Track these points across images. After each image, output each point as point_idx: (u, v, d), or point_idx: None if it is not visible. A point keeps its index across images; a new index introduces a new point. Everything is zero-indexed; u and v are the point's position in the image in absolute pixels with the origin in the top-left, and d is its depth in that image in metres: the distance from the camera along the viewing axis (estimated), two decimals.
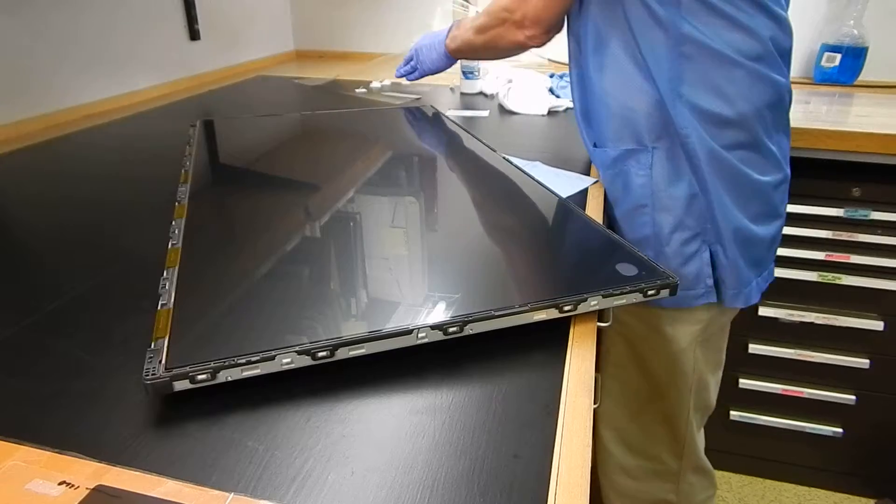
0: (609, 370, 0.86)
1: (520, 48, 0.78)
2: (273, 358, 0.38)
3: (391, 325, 0.41)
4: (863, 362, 1.23)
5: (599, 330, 0.54)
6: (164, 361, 0.37)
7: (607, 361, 0.86)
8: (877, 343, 1.21)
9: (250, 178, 0.74)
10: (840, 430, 1.30)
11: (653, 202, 0.72)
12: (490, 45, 0.80)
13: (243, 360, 0.38)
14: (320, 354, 0.39)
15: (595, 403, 0.69)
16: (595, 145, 0.76)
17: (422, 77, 1.01)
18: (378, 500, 0.31)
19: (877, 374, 1.23)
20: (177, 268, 0.49)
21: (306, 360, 0.39)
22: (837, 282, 1.18)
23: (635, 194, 0.72)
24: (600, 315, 0.57)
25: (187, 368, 0.37)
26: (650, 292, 0.47)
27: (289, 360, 0.38)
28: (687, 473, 0.86)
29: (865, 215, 1.13)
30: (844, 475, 1.39)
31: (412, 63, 1.01)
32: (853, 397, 1.26)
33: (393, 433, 0.36)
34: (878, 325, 1.19)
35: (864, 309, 1.20)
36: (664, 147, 0.69)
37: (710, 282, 0.74)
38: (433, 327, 0.41)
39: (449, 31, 0.91)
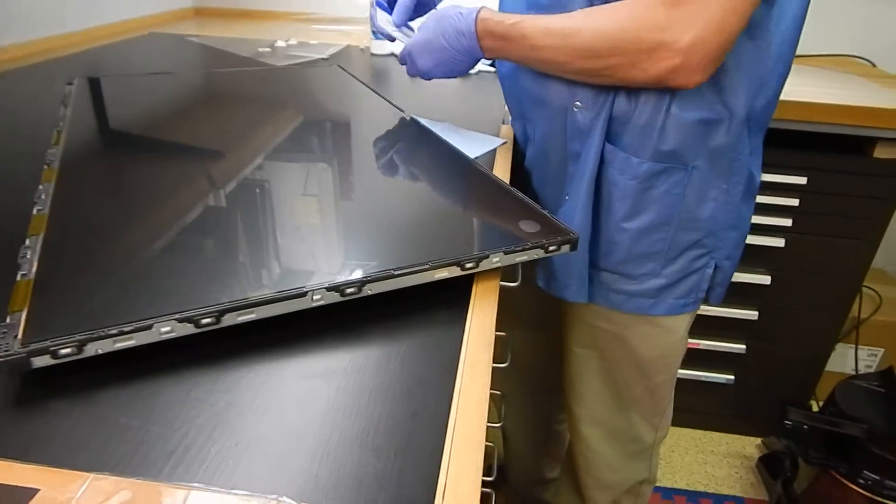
0: (592, 365, 0.81)
1: (656, 86, 0.57)
2: (150, 327, 0.35)
3: (284, 288, 0.39)
4: (752, 314, 1.32)
5: (507, 290, 0.55)
6: (20, 336, 0.33)
7: (590, 358, 0.80)
8: (764, 296, 1.31)
9: (141, 143, 0.68)
10: (732, 377, 1.40)
11: (676, 222, 0.66)
12: (602, 76, 0.58)
13: (115, 331, 0.34)
14: (204, 321, 0.36)
15: (504, 362, 0.70)
16: (618, 145, 0.65)
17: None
18: (263, 471, 0.30)
19: (764, 324, 1.33)
20: (41, 235, 0.44)
21: (188, 329, 0.36)
22: None
23: (660, 213, 0.66)
24: (510, 275, 0.57)
25: (48, 342, 0.33)
26: (551, 248, 0.47)
27: (168, 328, 0.35)
28: (658, 445, 0.85)
29: None
30: (736, 418, 1.51)
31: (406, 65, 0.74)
32: (743, 347, 1.36)
33: (284, 400, 0.34)
34: (765, 280, 1.28)
35: (754, 264, 1.28)
36: (702, 167, 0.64)
37: (703, 294, 0.72)
38: (329, 289, 0.39)
39: (477, 19, 0.63)
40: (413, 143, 0.69)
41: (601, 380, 0.81)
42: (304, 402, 0.34)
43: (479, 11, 0.63)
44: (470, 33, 0.63)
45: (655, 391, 0.80)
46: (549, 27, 0.58)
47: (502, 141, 0.77)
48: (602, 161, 0.66)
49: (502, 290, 0.48)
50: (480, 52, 0.64)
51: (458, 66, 0.67)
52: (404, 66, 0.75)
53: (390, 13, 0.75)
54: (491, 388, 0.74)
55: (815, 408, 1.42)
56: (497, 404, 1.12)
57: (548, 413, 1.11)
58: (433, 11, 0.70)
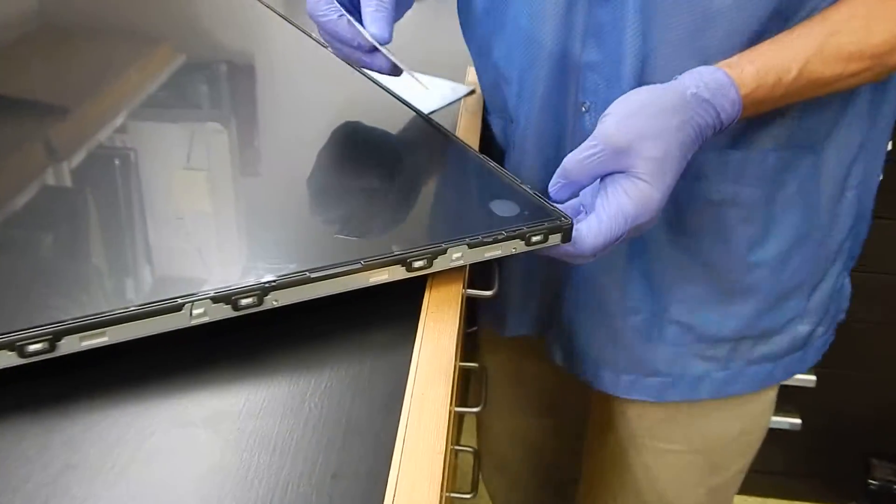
0: (640, 474, 0.80)
1: None
2: None
3: (151, 300, 0.39)
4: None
5: (473, 300, 0.55)
6: None
7: (643, 453, 0.80)
8: None
9: None
10: (798, 421, 1.44)
11: (820, 229, 0.67)
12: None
13: None
14: (32, 349, 0.36)
15: (477, 406, 0.71)
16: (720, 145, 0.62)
17: None
18: None
19: (839, 346, 1.36)
20: None
21: (8, 359, 0.36)
22: None
23: (800, 222, 0.66)
24: (483, 281, 0.57)
25: None
26: (534, 238, 0.48)
27: None
28: None
29: None
30: (804, 479, 1.54)
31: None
32: (812, 378, 1.39)
33: (150, 457, 0.34)
34: None
35: None
36: (840, 140, 0.64)
37: (843, 317, 0.75)
38: (216, 299, 0.39)
39: (740, 98, 0.55)
40: (344, 93, 0.70)
41: (652, 487, 0.81)
42: (180, 460, 0.34)
43: (735, 88, 0.55)
44: (729, 121, 0.56)
45: (726, 487, 0.81)
46: (852, 54, 0.56)
47: (468, 89, 0.78)
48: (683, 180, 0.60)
49: (477, 304, 0.49)
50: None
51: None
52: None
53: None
54: (459, 444, 0.75)
55: None
56: (466, 467, 1.13)
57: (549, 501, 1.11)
58: (663, 133, 0.53)
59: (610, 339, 0.71)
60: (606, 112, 0.52)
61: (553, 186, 0.54)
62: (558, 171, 0.53)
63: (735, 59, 0.55)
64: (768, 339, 0.71)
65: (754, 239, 0.66)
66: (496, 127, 0.75)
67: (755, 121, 0.61)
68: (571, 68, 0.62)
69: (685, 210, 0.64)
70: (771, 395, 0.77)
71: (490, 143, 0.76)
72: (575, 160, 0.51)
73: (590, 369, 0.74)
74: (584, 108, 0.63)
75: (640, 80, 0.59)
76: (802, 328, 0.71)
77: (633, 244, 0.66)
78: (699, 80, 0.53)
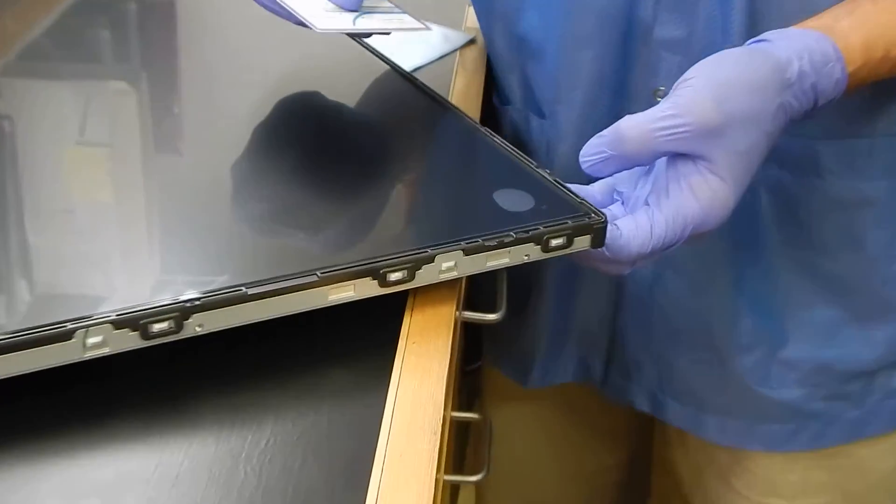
0: None
1: None
2: None
3: (30, 324, 0.38)
4: None
5: (474, 326, 0.54)
6: None
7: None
8: None
9: None
10: None
11: None
12: None
13: None
14: None
15: (477, 474, 0.70)
16: (836, 136, 0.66)
17: None
18: None
19: None
20: None
21: None
22: None
23: None
24: (487, 300, 0.56)
25: None
26: (555, 241, 0.47)
27: None
28: None
29: None
30: None
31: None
32: None
33: None
34: None
35: None
36: None
37: None
38: (119, 323, 0.39)
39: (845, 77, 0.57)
40: (298, 41, 0.69)
41: None
42: None
43: (842, 65, 0.55)
44: (821, 107, 0.57)
45: None
46: None
47: (467, 37, 0.79)
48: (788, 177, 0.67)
49: (476, 331, 0.47)
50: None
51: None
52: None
53: None
54: None
55: None
56: None
57: None
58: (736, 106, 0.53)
59: (713, 383, 0.74)
60: (689, 76, 0.50)
61: (592, 156, 0.51)
62: (607, 136, 0.50)
63: (830, 18, 0.55)
64: None
65: (891, 242, 0.69)
66: (518, 119, 0.76)
67: (876, 100, 0.64)
68: (639, 44, 0.64)
69: (805, 216, 0.68)
70: None
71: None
72: (641, 129, 0.49)
73: (687, 414, 0.77)
74: (658, 96, 0.65)
75: None
76: None
77: (740, 265, 0.69)
78: (802, 50, 0.52)
